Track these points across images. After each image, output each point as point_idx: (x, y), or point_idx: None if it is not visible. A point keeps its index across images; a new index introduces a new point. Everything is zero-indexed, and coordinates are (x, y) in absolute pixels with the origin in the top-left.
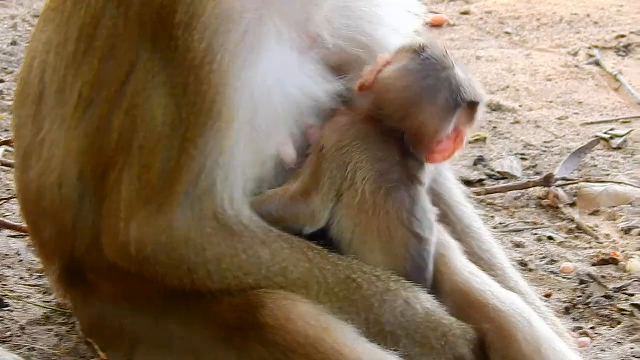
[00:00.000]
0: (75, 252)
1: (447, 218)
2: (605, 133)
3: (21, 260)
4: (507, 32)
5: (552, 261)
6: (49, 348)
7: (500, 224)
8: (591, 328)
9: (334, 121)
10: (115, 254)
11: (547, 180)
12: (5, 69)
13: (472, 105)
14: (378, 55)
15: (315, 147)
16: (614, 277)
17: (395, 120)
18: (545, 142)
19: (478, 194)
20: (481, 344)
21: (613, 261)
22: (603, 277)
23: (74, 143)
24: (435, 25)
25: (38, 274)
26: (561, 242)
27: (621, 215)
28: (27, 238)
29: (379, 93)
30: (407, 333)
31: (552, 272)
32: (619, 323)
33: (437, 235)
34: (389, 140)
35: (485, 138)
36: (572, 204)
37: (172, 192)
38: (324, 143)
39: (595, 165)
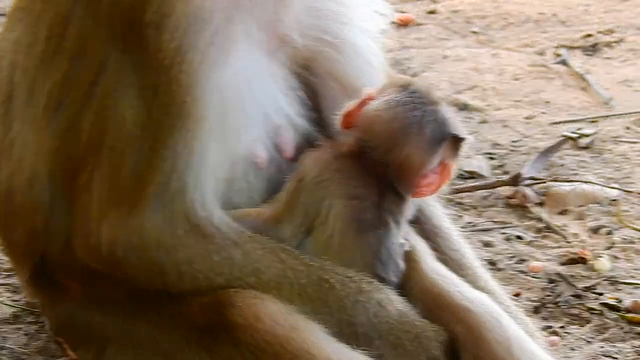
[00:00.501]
0: (47, 254)
1: (416, 218)
2: (573, 132)
3: None
4: (474, 32)
5: (521, 260)
6: (19, 347)
7: (469, 223)
8: (561, 327)
9: (316, 154)
10: (87, 255)
11: (515, 180)
12: None
13: (457, 140)
14: (362, 91)
15: (294, 176)
16: (583, 276)
17: (380, 154)
18: (513, 141)
19: (446, 193)
20: (453, 346)
21: (582, 260)
22: (572, 276)
23: (45, 144)
24: (403, 24)
25: (6, 273)
26: (530, 241)
27: (589, 215)
28: None
29: (364, 126)
30: (380, 335)
31: (521, 271)
32: (588, 322)
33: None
34: (370, 179)
35: None
36: (541, 204)
37: (143, 194)
38: (304, 175)
39: (563, 165)
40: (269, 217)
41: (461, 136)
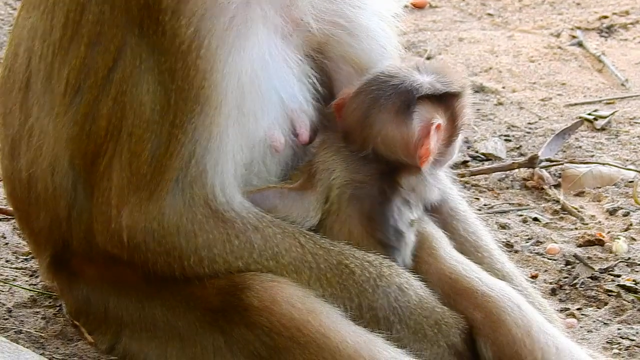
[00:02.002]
0: (70, 240)
1: (433, 206)
2: (589, 114)
3: (7, 244)
4: (489, 14)
5: (538, 242)
6: (37, 331)
7: (485, 205)
8: (578, 309)
9: (326, 135)
10: (107, 241)
11: (531, 162)
12: None
13: (439, 99)
14: (345, 88)
15: (314, 153)
16: (600, 258)
17: (363, 144)
18: (529, 123)
19: (462, 175)
20: (470, 332)
21: (599, 242)
22: (589, 258)
23: (64, 130)
24: (418, 7)
25: (24, 257)
26: (547, 223)
27: (606, 197)
28: (12, 221)
29: (343, 121)
30: (401, 319)
31: (538, 253)
32: (605, 304)
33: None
34: (369, 159)
35: None
36: (557, 186)
37: (162, 179)
38: (319, 152)
39: (580, 147)
40: (295, 187)
41: (437, 92)
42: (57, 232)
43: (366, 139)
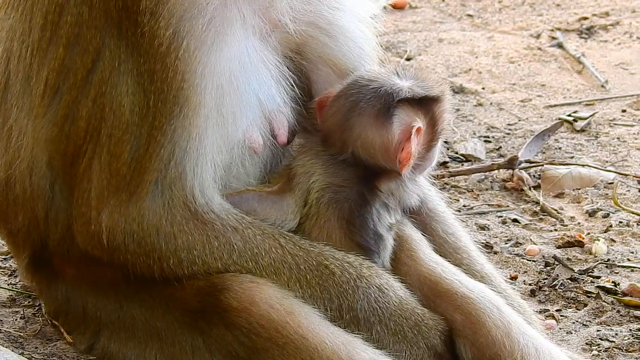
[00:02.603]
0: (47, 241)
1: (413, 208)
2: (569, 116)
3: None
4: (469, 15)
5: (517, 244)
6: (16, 330)
7: (465, 206)
8: (557, 310)
9: (306, 139)
10: (87, 242)
11: (511, 163)
12: None
13: (419, 103)
14: (329, 88)
15: (293, 157)
16: (580, 259)
17: (342, 147)
18: (508, 124)
19: (442, 176)
20: (450, 333)
21: (578, 244)
22: (568, 259)
23: (42, 131)
24: (397, 7)
25: (3, 257)
26: (526, 224)
27: (586, 198)
28: None
29: (323, 124)
30: (381, 320)
31: (517, 254)
32: (585, 305)
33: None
34: (348, 163)
35: None
36: (537, 187)
37: (142, 181)
38: (297, 156)
39: (560, 148)
40: (274, 190)
41: (417, 96)
42: (35, 233)
43: (345, 142)
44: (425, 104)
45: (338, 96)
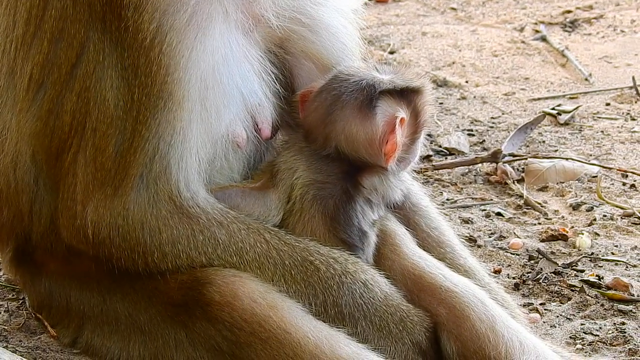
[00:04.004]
0: (32, 235)
1: (397, 203)
2: (553, 109)
3: None
4: (452, 8)
5: (501, 237)
6: (0, 324)
7: (448, 200)
8: (541, 304)
9: (289, 135)
10: (72, 236)
11: (495, 156)
12: None
13: (400, 94)
14: (309, 85)
15: (276, 152)
16: (564, 253)
17: (325, 142)
18: (492, 118)
19: (425, 170)
20: (434, 329)
21: (562, 237)
22: (552, 253)
23: (27, 126)
24: (381, 1)
25: None
26: (510, 218)
27: (570, 192)
28: None
29: (305, 119)
30: (366, 316)
31: (501, 248)
32: (569, 299)
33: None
34: (332, 158)
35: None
36: (520, 180)
37: (127, 175)
38: (281, 152)
39: (543, 142)
40: (257, 186)
41: (398, 87)
42: (19, 227)
43: (328, 137)
44: (407, 95)
45: (320, 91)
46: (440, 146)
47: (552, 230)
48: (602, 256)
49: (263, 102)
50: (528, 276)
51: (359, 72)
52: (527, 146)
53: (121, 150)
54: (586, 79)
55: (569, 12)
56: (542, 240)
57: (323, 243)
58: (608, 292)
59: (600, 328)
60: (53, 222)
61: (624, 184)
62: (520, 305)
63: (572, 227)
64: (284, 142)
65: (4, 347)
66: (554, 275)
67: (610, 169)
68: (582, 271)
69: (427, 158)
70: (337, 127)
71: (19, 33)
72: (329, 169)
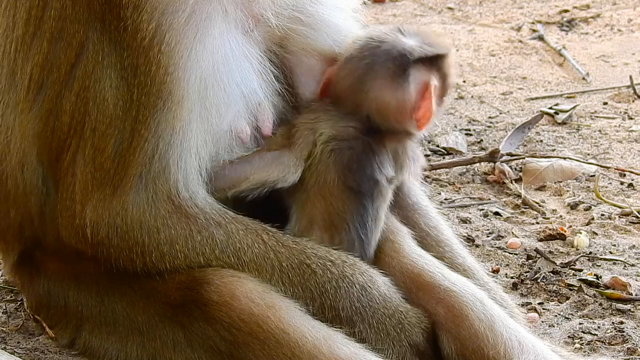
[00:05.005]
0: (43, 236)
1: (394, 200)
2: (550, 108)
3: None
4: (449, 8)
5: (499, 237)
6: None
7: (446, 199)
8: (539, 304)
9: (311, 103)
10: (72, 236)
11: (492, 156)
12: None
13: (431, 61)
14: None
15: (290, 120)
16: (562, 252)
17: (355, 109)
18: (490, 117)
19: (423, 170)
20: (432, 330)
21: (560, 237)
22: (550, 252)
23: (29, 126)
24: (378, 1)
25: None
26: (508, 217)
27: (567, 191)
28: None
29: (333, 91)
30: (363, 319)
31: (499, 247)
32: (567, 299)
33: (386, 201)
34: (356, 122)
35: None
36: (518, 180)
37: (126, 175)
38: (301, 115)
39: (541, 141)
40: (273, 148)
41: (429, 55)
42: (29, 229)
43: (360, 105)
44: (436, 61)
45: (349, 59)
46: (437, 146)
47: (550, 229)
48: (600, 255)
49: (263, 101)
50: (526, 275)
51: (388, 37)
52: (525, 145)
53: (120, 150)
54: (583, 78)
55: (566, 11)
56: (540, 240)
57: (331, 192)
58: (606, 291)
59: (599, 327)
60: (53, 222)
61: (622, 183)
62: (519, 304)
63: (570, 226)
64: (305, 107)
65: (2, 349)
66: (552, 275)
67: (608, 168)
68: (580, 270)
69: (425, 158)
70: (370, 96)
71: (19, 34)
72: (353, 126)
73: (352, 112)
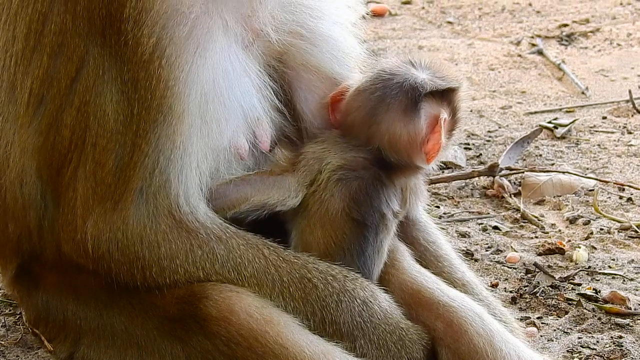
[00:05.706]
0: (42, 251)
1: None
2: (549, 122)
3: None
4: (449, 22)
5: (498, 251)
6: None
7: (445, 214)
8: (538, 318)
9: (322, 133)
10: (73, 250)
11: (491, 170)
12: None
13: (442, 94)
14: (338, 89)
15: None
16: (561, 267)
17: (366, 141)
18: (489, 131)
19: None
20: (432, 345)
21: (559, 251)
22: (549, 266)
23: (29, 141)
24: (377, 15)
25: None
26: (507, 231)
27: (566, 205)
28: None
29: (344, 122)
30: (364, 334)
31: (498, 262)
32: (566, 313)
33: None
34: (365, 153)
35: None
36: (517, 194)
37: (126, 189)
38: (309, 145)
39: (540, 155)
40: (275, 172)
41: (440, 88)
42: (27, 243)
43: (371, 137)
44: (447, 95)
45: (361, 90)
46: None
47: (549, 243)
48: (599, 270)
49: (262, 117)
50: (525, 290)
51: (399, 70)
52: (524, 160)
53: (121, 164)
54: (583, 93)
55: (565, 25)
56: (539, 254)
57: (333, 222)
58: (605, 305)
59: (598, 342)
60: (54, 236)
61: (621, 198)
62: (518, 319)
63: (569, 240)
64: (316, 138)
65: None
66: (551, 289)
67: (607, 182)
68: (579, 285)
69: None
70: (381, 129)
71: (19, 48)
72: (363, 157)
73: (363, 144)
